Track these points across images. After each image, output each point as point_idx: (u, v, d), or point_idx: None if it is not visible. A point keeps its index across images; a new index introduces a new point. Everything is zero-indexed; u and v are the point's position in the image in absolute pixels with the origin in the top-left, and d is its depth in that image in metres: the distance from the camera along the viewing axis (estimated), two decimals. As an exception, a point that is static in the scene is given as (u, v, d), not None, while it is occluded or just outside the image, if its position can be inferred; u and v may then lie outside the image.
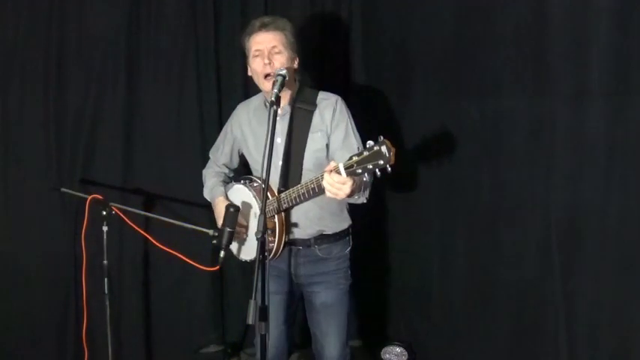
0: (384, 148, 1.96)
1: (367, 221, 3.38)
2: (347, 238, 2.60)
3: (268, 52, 2.43)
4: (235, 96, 3.44)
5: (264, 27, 2.46)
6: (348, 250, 2.61)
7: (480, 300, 2.80)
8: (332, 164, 2.10)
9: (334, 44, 3.52)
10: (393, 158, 1.95)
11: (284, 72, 2.33)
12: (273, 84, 2.30)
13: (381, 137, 1.98)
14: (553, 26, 2.33)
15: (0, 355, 3.26)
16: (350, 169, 2.03)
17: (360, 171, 2.01)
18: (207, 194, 2.76)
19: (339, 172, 2.06)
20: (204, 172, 2.83)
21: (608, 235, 2.20)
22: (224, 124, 2.83)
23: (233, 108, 2.79)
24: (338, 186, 2.08)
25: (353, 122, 2.51)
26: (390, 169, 1.97)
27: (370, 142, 2.00)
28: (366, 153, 1.99)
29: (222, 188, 2.70)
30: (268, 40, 2.44)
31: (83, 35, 3.30)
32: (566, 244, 2.34)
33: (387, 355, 3.26)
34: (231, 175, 2.81)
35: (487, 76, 2.67)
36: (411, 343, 3.30)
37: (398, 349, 3.26)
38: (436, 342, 3.13)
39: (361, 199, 2.38)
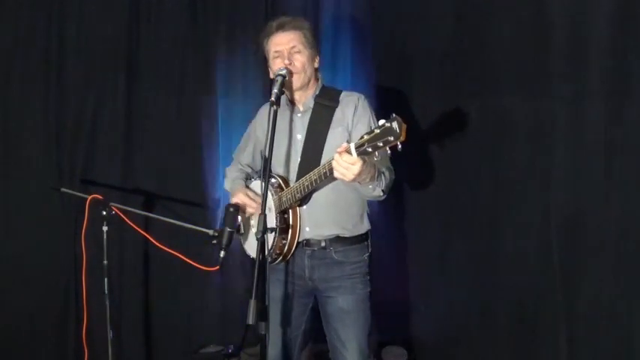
0: (394, 125, 1.93)
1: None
2: (365, 242, 2.52)
3: (288, 52, 2.40)
4: (235, 96, 3.45)
5: (281, 27, 2.42)
6: (367, 255, 2.52)
7: (480, 300, 2.80)
8: (344, 145, 2.08)
9: (334, 44, 3.52)
10: (403, 134, 1.92)
11: (284, 72, 2.33)
12: (274, 84, 2.29)
13: (393, 114, 1.96)
14: (553, 26, 2.33)
15: (0, 355, 3.26)
16: (361, 148, 2.01)
17: (370, 149, 1.98)
18: (227, 185, 2.74)
19: (350, 153, 2.04)
20: (227, 169, 2.81)
21: (608, 235, 2.20)
22: (223, 124, 2.83)
23: (232, 108, 2.78)
24: (346, 165, 2.06)
25: (375, 119, 2.44)
26: (400, 146, 1.94)
27: (382, 120, 1.98)
28: (377, 131, 1.97)
29: (243, 182, 2.68)
30: (287, 40, 2.41)
31: (83, 35, 3.30)
32: (566, 244, 2.34)
33: (387, 355, 3.26)
34: (254, 175, 2.80)
35: (487, 76, 2.67)
36: (411, 343, 3.30)
37: (398, 349, 3.26)
38: (436, 342, 3.13)
39: (377, 190, 2.30)
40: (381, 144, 1.95)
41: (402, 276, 3.37)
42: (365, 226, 2.52)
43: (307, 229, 2.44)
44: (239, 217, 2.47)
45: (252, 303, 2.02)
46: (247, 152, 2.72)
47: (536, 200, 2.47)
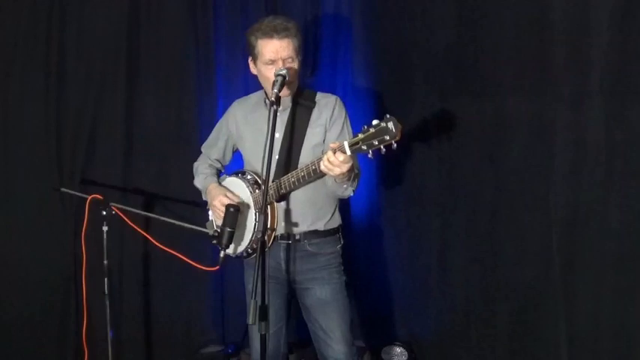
0: (390, 125, 1.98)
1: (366, 220, 3.39)
2: (337, 235, 2.59)
3: (283, 62, 2.39)
4: (235, 95, 3.43)
5: (276, 33, 2.37)
6: (340, 246, 2.59)
7: (480, 300, 2.80)
8: (337, 142, 2.13)
9: (334, 44, 3.51)
10: (399, 134, 1.97)
11: (284, 72, 2.33)
12: (274, 84, 2.30)
13: (388, 115, 2.00)
14: (553, 26, 2.33)
15: (0, 356, 3.26)
16: (355, 147, 2.06)
17: (365, 147, 2.03)
18: (199, 182, 2.75)
19: (343, 151, 2.09)
20: (196, 164, 2.82)
21: (608, 235, 2.20)
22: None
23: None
24: (337, 163, 2.12)
25: (349, 122, 2.55)
26: (395, 145, 1.98)
27: (376, 120, 2.02)
28: (372, 130, 2.02)
29: (215, 178, 2.72)
30: (283, 49, 2.38)
31: (83, 35, 3.30)
32: (566, 244, 2.34)
33: (387, 355, 3.26)
34: (223, 170, 2.81)
35: (487, 76, 2.67)
36: (411, 343, 3.30)
37: (398, 349, 3.26)
38: (436, 342, 3.13)
39: (349, 190, 2.40)
40: (377, 142, 2.01)
41: (401, 275, 3.37)
42: (337, 221, 2.60)
43: (283, 224, 2.49)
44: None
45: (252, 303, 2.03)
46: (218, 147, 2.75)
47: (536, 200, 2.47)
